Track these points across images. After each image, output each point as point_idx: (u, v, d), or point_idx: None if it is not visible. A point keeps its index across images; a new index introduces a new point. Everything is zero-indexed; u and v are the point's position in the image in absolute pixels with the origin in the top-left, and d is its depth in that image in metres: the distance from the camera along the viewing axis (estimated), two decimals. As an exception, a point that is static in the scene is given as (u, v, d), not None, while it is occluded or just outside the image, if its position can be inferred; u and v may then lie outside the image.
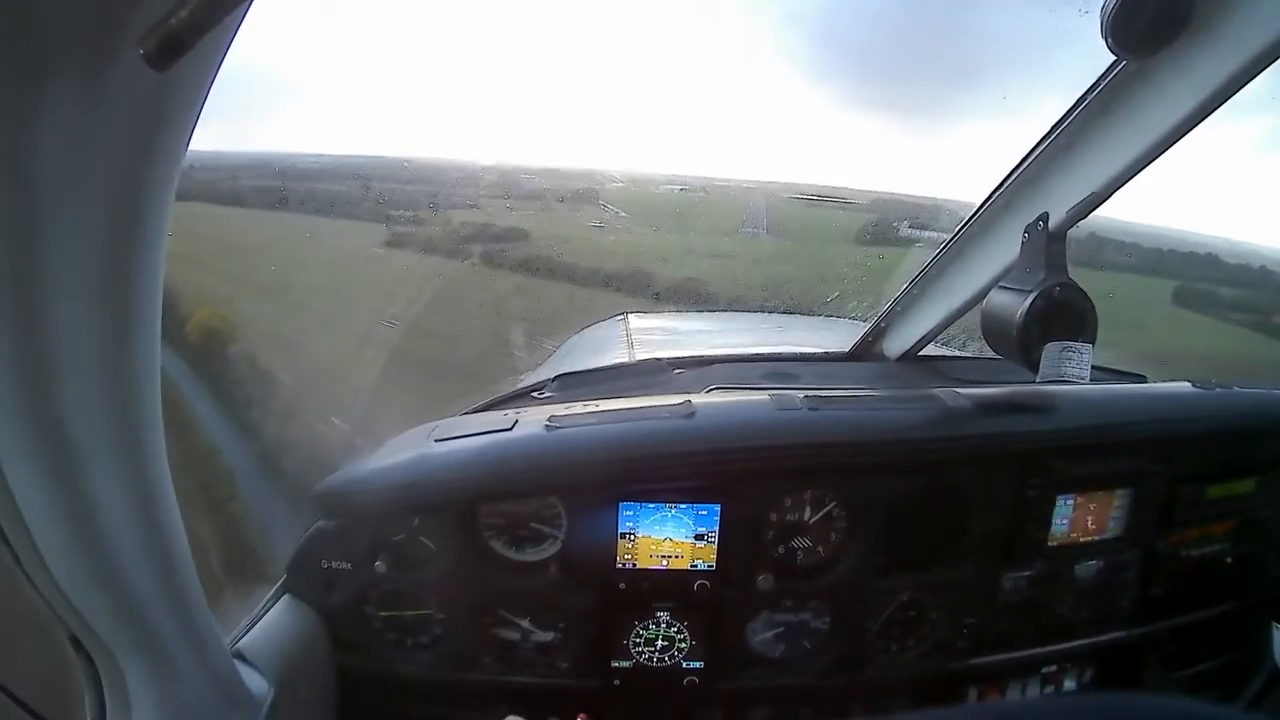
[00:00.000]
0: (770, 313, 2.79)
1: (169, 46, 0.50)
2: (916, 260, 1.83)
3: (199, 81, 0.64)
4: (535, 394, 1.82)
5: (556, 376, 1.86)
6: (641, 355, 2.09)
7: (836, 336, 2.17)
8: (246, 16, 0.61)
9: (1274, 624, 1.88)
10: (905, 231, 2.85)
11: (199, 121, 0.66)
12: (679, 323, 2.77)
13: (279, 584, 1.48)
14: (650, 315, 2.72)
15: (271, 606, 1.43)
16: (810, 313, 2.70)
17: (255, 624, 1.36)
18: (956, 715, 0.69)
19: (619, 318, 2.65)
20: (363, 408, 2.27)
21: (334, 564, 1.46)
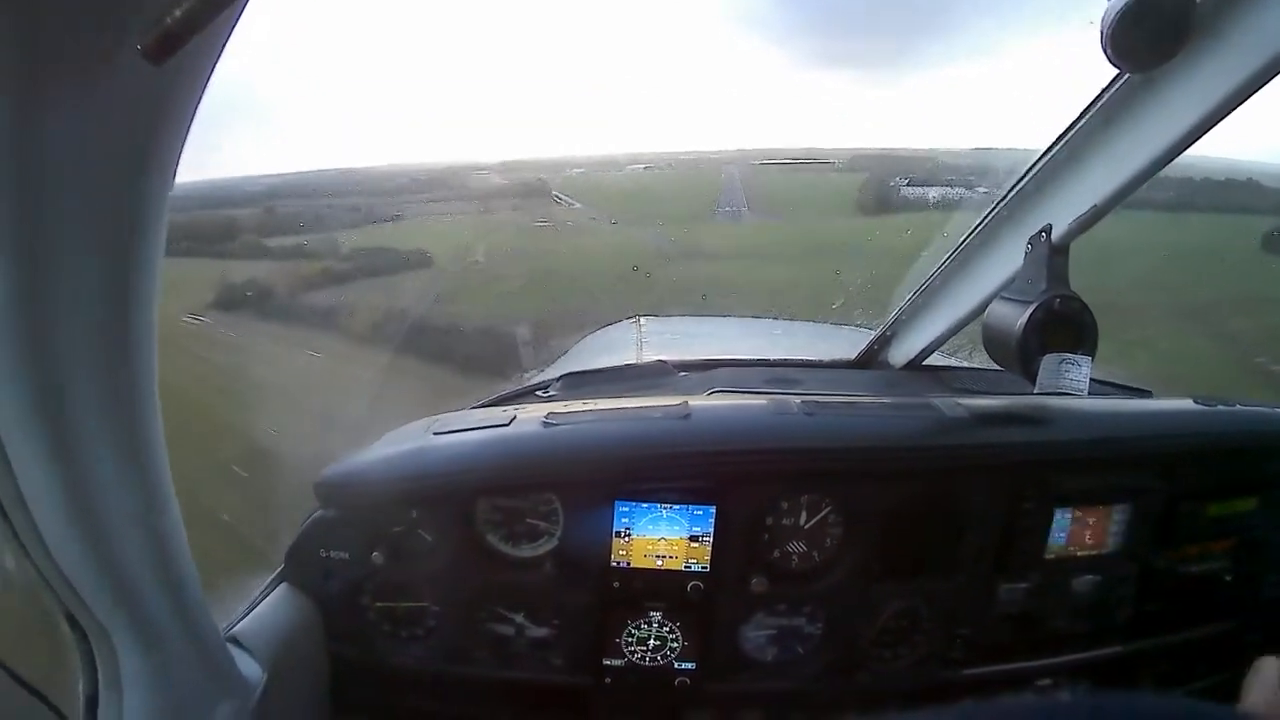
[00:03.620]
0: (781, 318, 2.79)
1: (165, 42, 0.53)
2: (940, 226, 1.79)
3: (196, 76, 0.66)
4: (540, 392, 1.84)
5: (561, 375, 1.88)
6: (649, 357, 2.10)
7: (845, 344, 2.17)
8: (242, 16, 0.64)
9: None
10: (908, 192, 2.67)
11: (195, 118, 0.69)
12: (690, 326, 2.77)
13: (277, 571, 1.50)
14: (662, 318, 2.73)
15: (269, 594, 1.45)
16: (821, 319, 2.69)
17: (252, 610, 1.38)
18: (954, 715, 0.68)
19: (631, 320, 2.67)
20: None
21: (332, 553, 1.48)
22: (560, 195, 2.82)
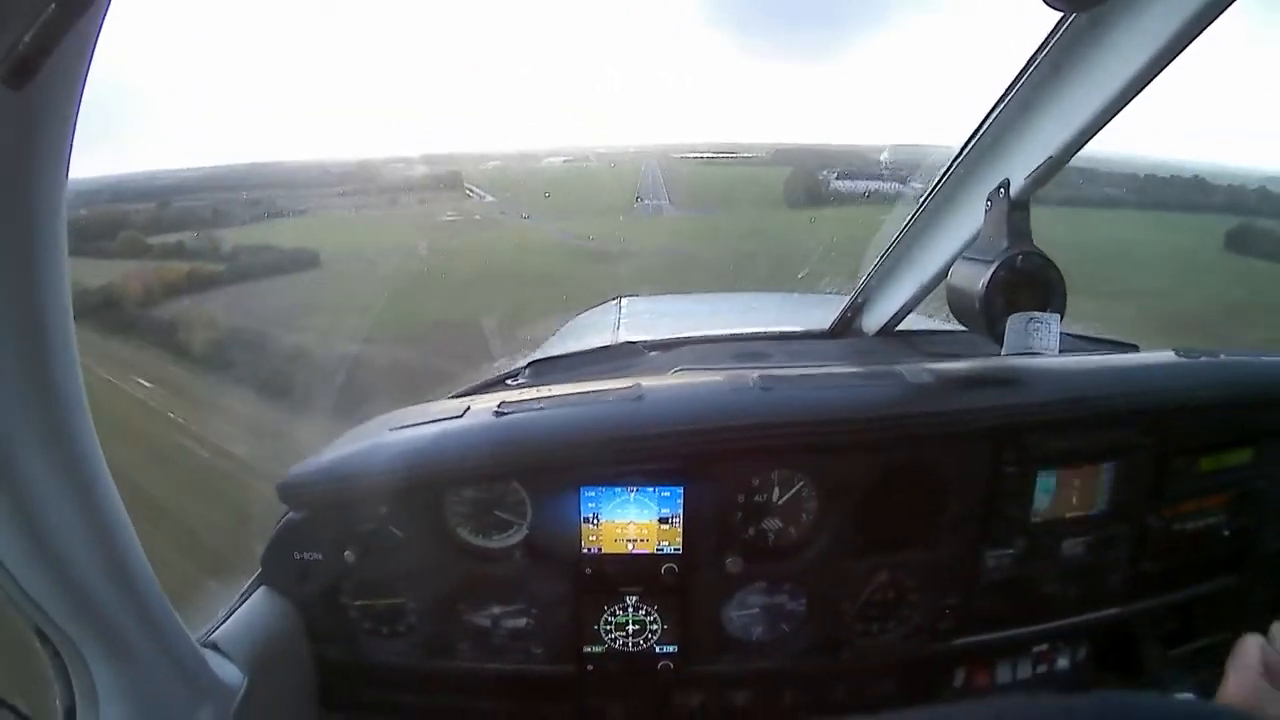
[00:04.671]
0: (765, 291, 2.76)
1: (20, 68, 0.55)
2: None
3: (64, 97, 0.67)
4: (510, 381, 1.83)
5: (530, 363, 1.87)
6: (624, 338, 2.09)
7: (824, 313, 2.14)
8: (100, 36, 0.65)
9: None
10: (839, 185, 2.59)
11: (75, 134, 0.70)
12: (671, 304, 2.75)
13: (255, 575, 1.52)
14: (643, 298, 2.71)
15: (248, 598, 1.47)
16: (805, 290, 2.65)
17: (231, 615, 1.40)
18: (953, 714, 0.67)
19: (613, 301, 2.65)
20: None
21: (306, 555, 1.49)
22: (472, 189, 2.72)
